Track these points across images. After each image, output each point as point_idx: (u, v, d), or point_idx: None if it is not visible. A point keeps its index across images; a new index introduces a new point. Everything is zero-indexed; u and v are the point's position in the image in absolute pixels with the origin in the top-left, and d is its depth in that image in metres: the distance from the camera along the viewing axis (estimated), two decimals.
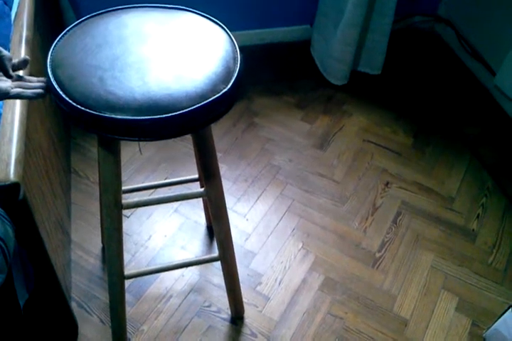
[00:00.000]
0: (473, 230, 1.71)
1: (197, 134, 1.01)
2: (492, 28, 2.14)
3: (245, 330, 1.42)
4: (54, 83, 0.87)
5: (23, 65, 0.88)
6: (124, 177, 1.77)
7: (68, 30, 0.97)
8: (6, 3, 1.33)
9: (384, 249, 1.64)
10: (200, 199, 1.72)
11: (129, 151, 1.85)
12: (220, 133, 1.95)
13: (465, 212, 1.76)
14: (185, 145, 1.90)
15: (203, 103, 0.86)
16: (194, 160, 1.84)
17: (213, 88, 0.89)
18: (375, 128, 2.04)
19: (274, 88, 2.16)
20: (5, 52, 0.83)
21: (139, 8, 1.02)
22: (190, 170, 1.81)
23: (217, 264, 1.56)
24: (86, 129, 0.88)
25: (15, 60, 0.87)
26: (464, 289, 1.55)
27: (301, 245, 1.63)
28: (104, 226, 1.09)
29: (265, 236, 1.65)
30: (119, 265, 1.16)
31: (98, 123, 0.85)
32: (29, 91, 0.86)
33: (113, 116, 0.83)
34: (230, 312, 1.45)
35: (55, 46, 0.94)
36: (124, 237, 1.60)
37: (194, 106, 0.85)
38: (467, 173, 1.89)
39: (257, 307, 1.47)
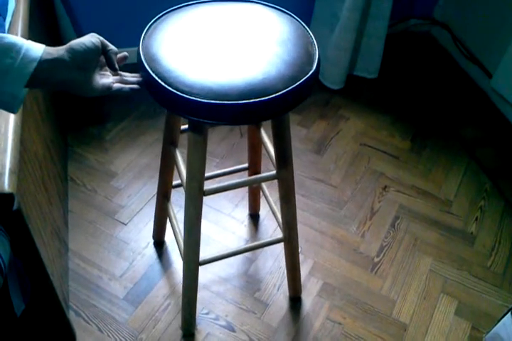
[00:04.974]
0: (471, 233, 1.70)
1: (278, 119, 1.06)
2: (488, 30, 2.14)
3: (244, 337, 1.42)
4: (154, 76, 0.90)
5: (123, 60, 0.91)
6: (121, 185, 1.76)
7: (150, 26, 1.01)
8: None
9: (382, 254, 1.63)
10: None
11: (126, 159, 1.85)
12: (217, 139, 1.95)
13: (463, 215, 1.76)
14: (181, 151, 1.89)
15: (296, 84, 0.91)
16: None
17: (301, 70, 0.94)
18: (372, 132, 2.04)
19: None
20: (111, 47, 0.85)
21: (213, 2, 1.08)
22: None
23: (216, 270, 1.55)
24: (187, 118, 0.91)
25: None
26: (463, 293, 1.55)
27: (299, 250, 1.62)
28: (185, 214, 1.16)
29: None
30: (197, 252, 1.22)
31: (203, 110, 0.89)
32: (127, 87, 0.89)
33: (218, 102, 0.87)
34: (226, 321, 1.45)
35: (142, 42, 0.97)
36: (122, 245, 1.60)
37: (289, 88, 0.90)
38: (465, 176, 1.89)
39: (256, 313, 1.47)
